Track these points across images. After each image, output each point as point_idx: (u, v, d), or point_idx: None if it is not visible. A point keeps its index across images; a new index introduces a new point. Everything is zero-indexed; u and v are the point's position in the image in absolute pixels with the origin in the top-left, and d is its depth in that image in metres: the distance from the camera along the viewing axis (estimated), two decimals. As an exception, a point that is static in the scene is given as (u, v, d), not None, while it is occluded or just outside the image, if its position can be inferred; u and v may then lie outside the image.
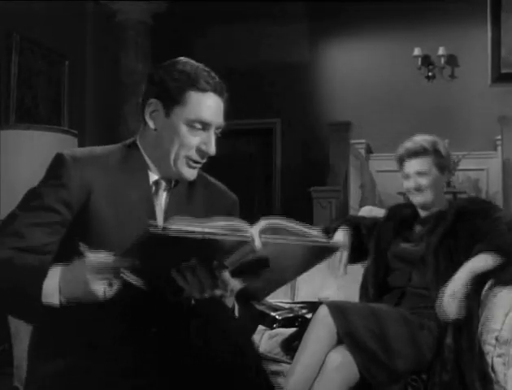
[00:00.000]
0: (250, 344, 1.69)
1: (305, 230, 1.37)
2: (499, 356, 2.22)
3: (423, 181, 2.48)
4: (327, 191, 5.78)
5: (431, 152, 2.48)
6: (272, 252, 1.32)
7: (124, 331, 1.48)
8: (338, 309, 2.17)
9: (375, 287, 2.51)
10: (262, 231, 1.29)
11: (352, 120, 6.41)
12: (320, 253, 1.45)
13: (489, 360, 2.22)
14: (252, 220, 1.32)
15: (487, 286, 2.35)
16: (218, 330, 1.53)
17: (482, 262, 2.21)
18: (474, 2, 6.75)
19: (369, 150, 7.02)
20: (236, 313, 1.55)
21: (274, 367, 2.80)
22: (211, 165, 1.66)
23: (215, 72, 1.60)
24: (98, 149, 1.62)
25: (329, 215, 5.51)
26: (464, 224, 2.39)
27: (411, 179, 2.50)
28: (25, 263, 1.41)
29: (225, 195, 1.74)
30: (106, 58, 6.59)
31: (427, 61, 6.94)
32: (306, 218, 5.61)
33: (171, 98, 1.55)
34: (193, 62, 1.60)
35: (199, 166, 1.61)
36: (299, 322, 2.56)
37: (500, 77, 6.78)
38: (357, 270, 2.96)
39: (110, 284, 1.32)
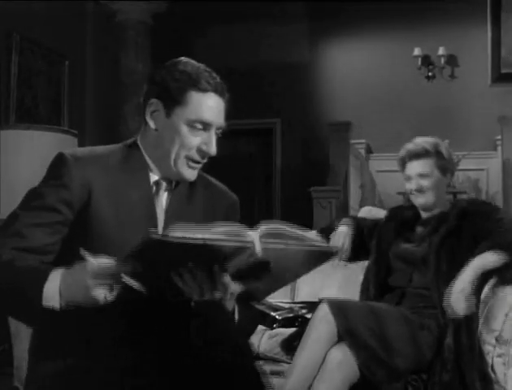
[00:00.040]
0: (248, 345, 1.69)
1: (305, 234, 1.38)
2: (499, 356, 2.22)
3: (425, 183, 2.48)
4: (327, 191, 5.78)
5: (433, 154, 2.49)
6: (272, 256, 1.33)
7: (124, 333, 1.48)
8: (338, 307, 2.18)
9: (376, 287, 2.52)
10: (263, 236, 1.30)
11: (352, 120, 6.41)
12: (320, 257, 1.46)
13: (489, 360, 2.22)
14: (252, 220, 1.32)
15: (487, 286, 2.35)
16: (218, 330, 1.53)
17: (489, 259, 2.21)
18: (474, 2, 6.75)
19: (369, 150, 7.02)
20: (236, 316, 1.55)
21: (274, 367, 2.80)
22: (211, 165, 1.66)
23: (215, 72, 1.60)
24: (99, 149, 1.62)
25: (329, 215, 5.51)
26: (467, 225, 2.39)
27: (413, 181, 2.51)
28: (26, 266, 1.41)
29: (225, 195, 1.74)
30: (106, 58, 6.59)
31: (427, 61, 6.94)
32: (306, 218, 5.61)
33: (172, 98, 1.54)
34: (194, 62, 1.60)
35: (199, 166, 1.61)
36: (299, 322, 2.56)
37: (500, 77, 6.78)
38: (358, 270, 2.96)
39: (111, 289, 1.32)
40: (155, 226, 1.57)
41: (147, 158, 1.60)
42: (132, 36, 6.37)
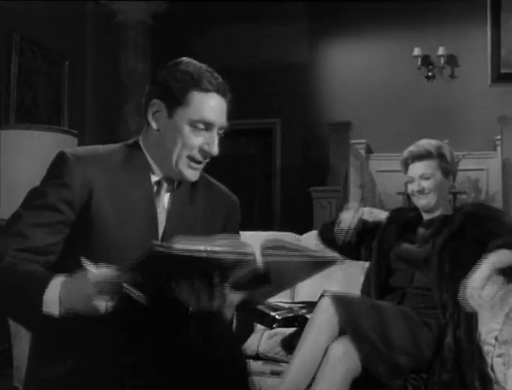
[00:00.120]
0: (241, 351, 1.71)
1: (305, 246, 1.40)
2: (499, 356, 2.22)
3: (427, 184, 2.50)
4: (327, 191, 5.79)
5: (436, 156, 2.51)
6: (273, 266, 1.34)
7: (124, 335, 1.47)
8: (340, 300, 2.19)
9: (377, 287, 2.52)
10: (264, 249, 1.30)
11: (352, 120, 6.42)
12: (319, 265, 1.47)
13: (489, 360, 2.23)
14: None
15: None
16: (216, 330, 1.53)
17: (502, 256, 2.21)
18: (474, 2, 6.75)
19: (369, 150, 7.02)
20: (234, 324, 1.55)
21: (274, 367, 2.81)
22: (211, 165, 1.66)
23: (215, 72, 1.60)
24: (101, 148, 1.61)
25: (329, 215, 5.50)
26: (470, 228, 2.41)
27: (415, 183, 2.53)
28: (28, 271, 1.41)
29: (226, 196, 1.74)
30: (106, 58, 6.59)
31: (426, 61, 6.94)
32: (306, 218, 5.62)
33: (174, 99, 1.54)
34: (195, 62, 1.59)
35: (201, 167, 1.61)
36: (299, 322, 2.56)
37: (500, 77, 6.78)
38: (358, 271, 2.97)
39: (112, 298, 1.32)
40: (156, 226, 1.57)
41: (149, 158, 1.60)
42: (132, 36, 6.37)
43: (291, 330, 2.53)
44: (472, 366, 2.20)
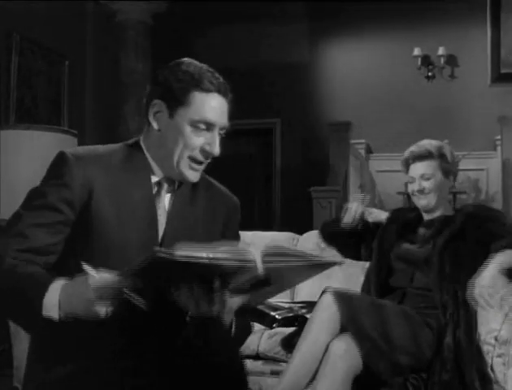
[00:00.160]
0: (238, 353, 1.72)
1: (304, 251, 1.41)
2: (499, 356, 2.22)
3: (427, 184, 2.51)
4: (327, 191, 5.79)
5: (437, 156, 2.52)
6: (273, 272, 1.34)
7: (124, 343, 1.47)
8: (342, 297, 2.20)
9: (377, 287, 2.53)
10: (265, 255, 1.31)
11: (352, 120, 6.42)
12: (319, 267, 1.47)
13: (489, 360, 2.23)
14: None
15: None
16: (215, 335, 1.53)
17: (508, 257, 2.21)
18: (474, 2, 6.75)
19: (369, 150, 7.02)
20: (233, 329, 1.56)
21: (273, 367, 2.81)
22: (211, 165, 1.66)
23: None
24: (101, 148, 1.61)
25: (329, 215, 5.51)
26: (471, 229, 2.42)
27: (415, 183, 2.54)
28: (28, 273, 1.41)
29: (226, 198, 1.73)
30: (106, 58, 6.59)
31: (426, 61, 6.94)
32: (306, 218, 5.62)
33: (175, 99, 1.54)
34: (197, 62, 1.59)
35: (202, 168, 1.60)
36: (299, 322, 2.56)
37: (499, 77, 6.78)
38: (358, 271, 2.97)
39: (112, 303, 1.32)
40: (156, 226, 1.57)
41: (150, 159, 1.60)
42: (132, 36, 6.37)
43: (291, 329, 2.53)
44: (472, 366, 2.20)
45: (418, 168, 2.53)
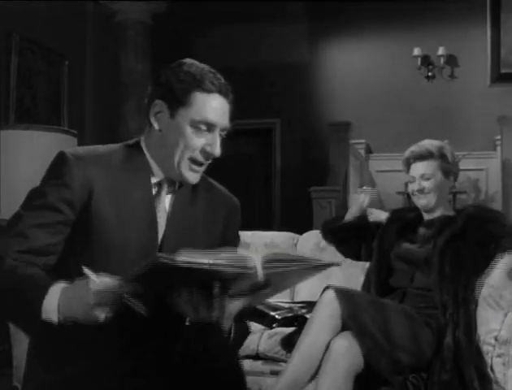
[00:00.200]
0: (237, 357, 1.72)
1: (302, 255, 1.43)
2: (498, 356, 2.22)
3: (427, 184, 2.52)
4: (327, 191, 5.79)
5: (437, 156, 2.53)
6: (273, 277, 1.35)
7: (123, 347, 1.47)
8: (343, 293, 2.20)
9: (378, 287, 2.53)
10: (265, 262, 1.32)
11: (352, 120, 6.42)
12: (317, 269, 1.48)
13: (489, 360, 2.23)
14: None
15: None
16: (215, 340, 1.53)
17: None
18: (474, 2, 6.75)
19: (369, 150, 7.02)
20: (232, 334, 1.56)
21: (273, 367, 2.81)
22: (211, 165, 1.65)
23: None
24: (101, 148, 1.61)
25: (329, 215, 5.50)
26: (472, 229, 2.42)
27: (416, 182, 2.55)
28: (28, 275, 1.41)
29: (226, 199, 1.73)
30: (106, 58, 6.59)
31: (426, 61, 6.94)
32: (306, 218, 5.62)
33: (176, 99, 1.54)
34: (198, 63, 1.59)
35: (202, 169, 1.60)
36: (298, 322, 2.56)
37: (499, 77, 6.79)
38: (358, 271, 2.97)
39: (111, 308, 1.32)
40: (155, 227, 1.56)
41: (150, 159, 1.60)
42: (132, 36, 6.37)
43: (291, 329, 2.53)
44: (471, 366, 2.20)
45: (419, 168, 2.54)
